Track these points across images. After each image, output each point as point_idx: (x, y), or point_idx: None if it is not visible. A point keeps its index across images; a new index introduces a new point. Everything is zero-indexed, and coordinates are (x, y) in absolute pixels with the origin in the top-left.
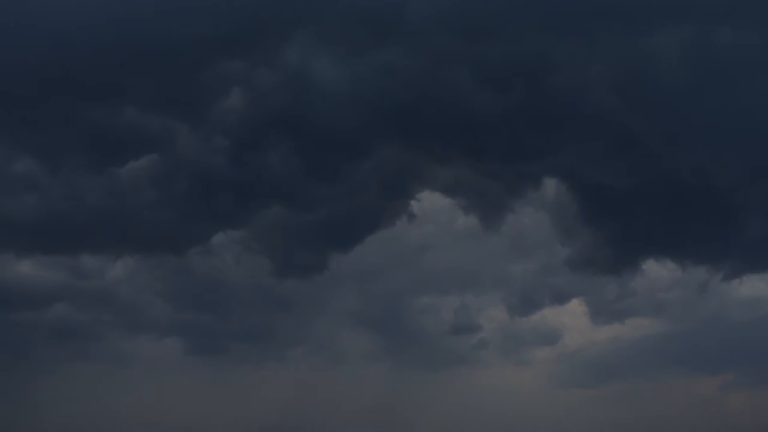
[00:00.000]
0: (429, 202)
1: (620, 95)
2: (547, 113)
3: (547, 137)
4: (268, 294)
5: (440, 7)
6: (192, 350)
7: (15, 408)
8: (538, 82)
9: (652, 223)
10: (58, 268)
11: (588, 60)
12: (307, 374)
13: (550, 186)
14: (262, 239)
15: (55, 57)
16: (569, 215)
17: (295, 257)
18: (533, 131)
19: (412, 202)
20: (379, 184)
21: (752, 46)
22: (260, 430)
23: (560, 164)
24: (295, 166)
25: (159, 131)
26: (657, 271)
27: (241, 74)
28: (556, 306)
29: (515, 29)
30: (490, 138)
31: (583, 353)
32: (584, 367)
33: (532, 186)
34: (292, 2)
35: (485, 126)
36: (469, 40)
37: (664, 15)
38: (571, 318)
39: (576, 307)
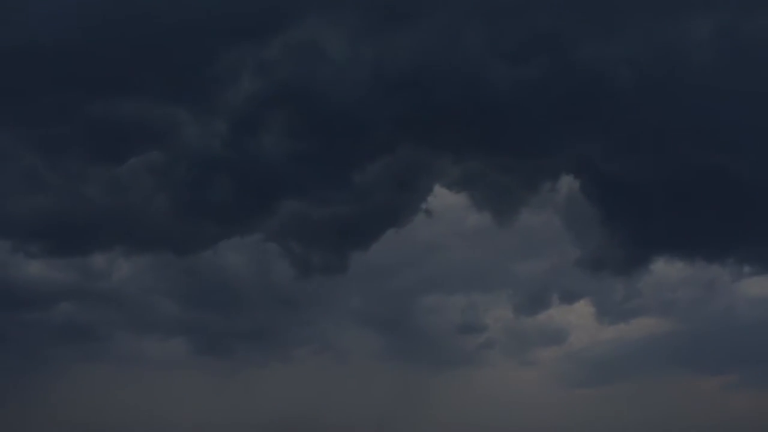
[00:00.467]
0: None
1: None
2: (564, 102)
3: (562, 129)
4: (290, 293)
5: None
6: (208, 350)
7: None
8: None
9: (667, 220)
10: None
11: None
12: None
13: (564, 182)
14: (280, 238)
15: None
16: (582, 212)
17: (315, 256)
18: (548, 122)
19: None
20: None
21: None
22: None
23: (575, 158)
24: (309, 160)
25: (165, 124)
26: (665, 269)
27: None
28: (565, 305)
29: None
30: (504, 128)
31: (589, 352)
32: (590, 366)
33: (547, 181)
34: None
35: (501, 115)
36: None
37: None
38: (578, 317)
39: (582, 307)
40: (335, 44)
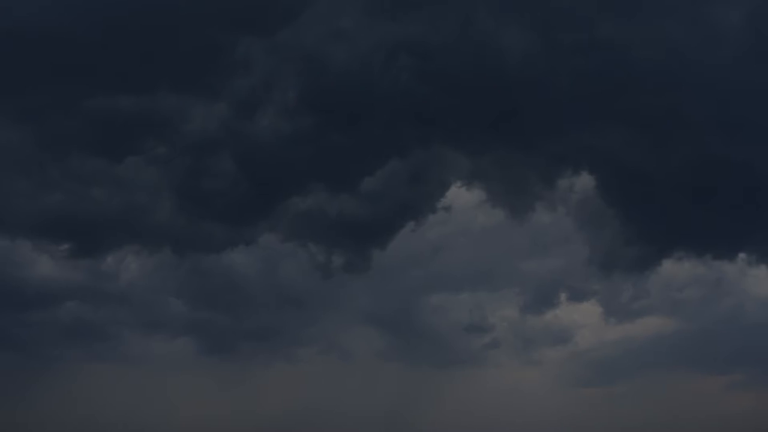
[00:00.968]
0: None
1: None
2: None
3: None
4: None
5: None
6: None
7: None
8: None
9: (682, 217)
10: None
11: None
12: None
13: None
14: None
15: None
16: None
17: (336, 254)
18: (560, 113)
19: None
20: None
21: None
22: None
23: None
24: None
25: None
26: (673, 268)
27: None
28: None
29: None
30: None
31: (596, 352)
32: (596, 366)
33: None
34: None
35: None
36: None
37: None
38: (584, 316)
39: (590, 306)
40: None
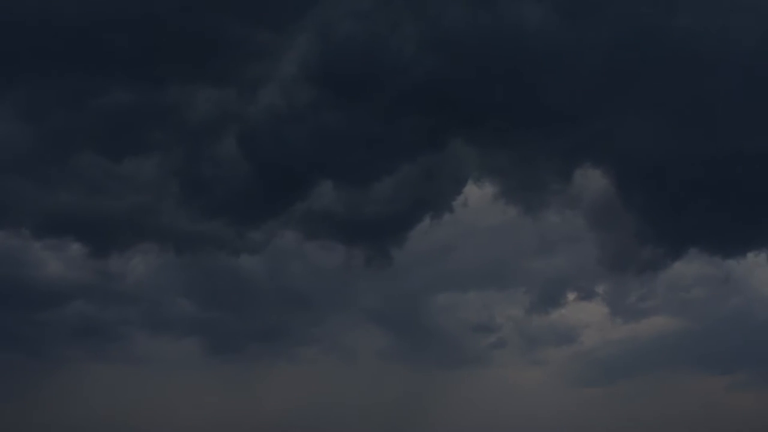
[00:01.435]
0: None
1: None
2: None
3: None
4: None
5: None
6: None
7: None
8: None
9: (696, 216)
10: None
11: None
12: None
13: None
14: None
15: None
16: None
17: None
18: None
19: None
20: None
21: None
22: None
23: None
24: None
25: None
26: (680, 268)
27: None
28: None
29: None
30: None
31: (602, 351)
32: (603, 365)
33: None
34: None
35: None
36: None
37: None
38: (590, 315)
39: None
40: None
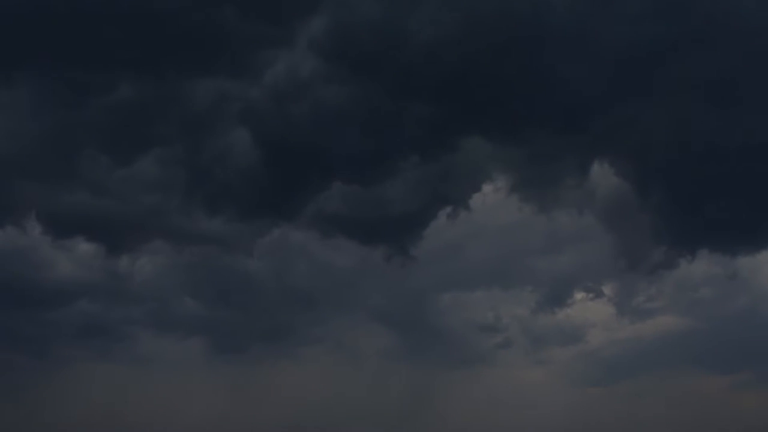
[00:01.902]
0: None
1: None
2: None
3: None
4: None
5: None
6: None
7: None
8: None
9: (707, 215)
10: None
11: None
12: None
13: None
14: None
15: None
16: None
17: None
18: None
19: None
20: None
21: None
22: None
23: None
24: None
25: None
26: (688, 267)
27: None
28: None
29: None
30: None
31: (606, 351)
32: (607, 365)
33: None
34: None
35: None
36: None
37: None
38: (597, 315)
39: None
40: None
